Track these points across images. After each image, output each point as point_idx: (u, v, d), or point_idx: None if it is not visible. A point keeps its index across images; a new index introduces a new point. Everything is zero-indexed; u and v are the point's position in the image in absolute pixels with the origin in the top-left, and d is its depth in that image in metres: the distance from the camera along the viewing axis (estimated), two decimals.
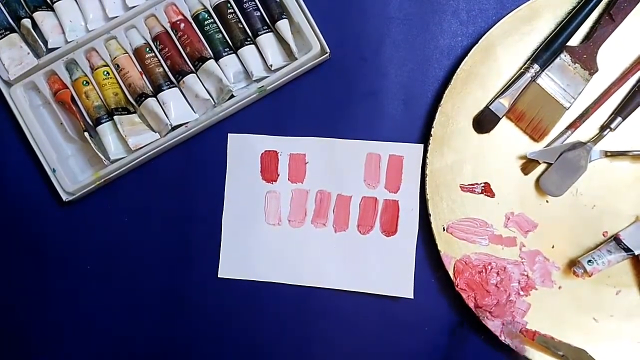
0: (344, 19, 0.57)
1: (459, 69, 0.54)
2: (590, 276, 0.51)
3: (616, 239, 0.52)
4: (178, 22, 0.55)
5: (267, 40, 0.55)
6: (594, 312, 0.53)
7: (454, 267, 0.54)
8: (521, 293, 0.53)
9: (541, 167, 0.54)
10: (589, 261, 0.51)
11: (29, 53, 0.55)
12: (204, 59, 0.55)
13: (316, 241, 0.56)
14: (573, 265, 0.53)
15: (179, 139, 0.56)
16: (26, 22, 0.55)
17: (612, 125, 0.53)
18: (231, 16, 0.55)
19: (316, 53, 0.55)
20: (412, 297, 0.54)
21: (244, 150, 0.57)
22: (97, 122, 0.55)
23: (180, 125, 0.55)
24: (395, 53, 0.57)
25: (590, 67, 0.53)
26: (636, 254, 0.51)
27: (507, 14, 0.54)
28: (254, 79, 0.55)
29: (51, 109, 0.56)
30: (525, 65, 0.54)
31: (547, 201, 0.54)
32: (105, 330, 0.56)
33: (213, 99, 0.55)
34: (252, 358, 0.56)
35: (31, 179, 0.57)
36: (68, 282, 0.57)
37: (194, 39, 0.55)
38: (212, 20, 0.55)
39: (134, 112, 0.56)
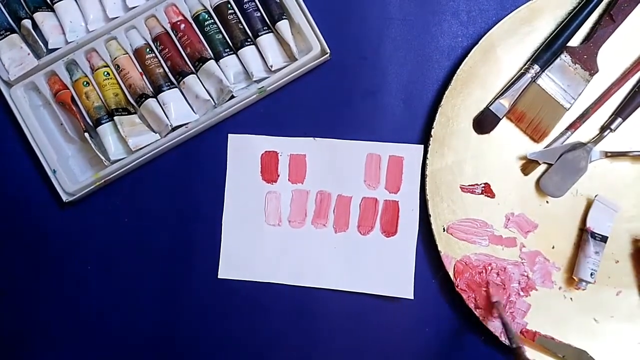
0: (344, 20, 0.57)
1: (459, 70, 0.54)
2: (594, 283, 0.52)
3: (591, 234, 0.52)
4: (178, 23, 0.55)
5: (267, 40, 0.55)
6: (595, 313, 0.53)
7: (454, 268, 0.54)
8: (521, 294, 0.53)
9: (541, 168, 0.54)
10: (591, 274, 0.51)
11: (29, 54, 0.55)
12: (204, 60, 0.55)
13: (316, 242, 0.56)
14: (572, 284, 0.53)
15: (179, 140, 0.56)
16: (26, 22, 0.55)
17: (613, 126, 0.53)
18: (231, 17, 0.55)
19: (316, 54, 0.55)
20: (412, 297, 0.54)
21: (244, 151, 0.57)
22: (98, 122, 0.55)
23: (181, 125, 0.55)
24: (396, 53, 0.57)
25: (591, 68, 0.53)
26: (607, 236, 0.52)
27: (507, 15, 0.54)
28: (254, 79, 0.55)
29: (51, 110, 0.56)
30: (526, 66, 0.54)
31: (547, 202, 0.54)
32: (105, 330, 0.56)
33: (213, 100, 0.55)
34: (252, 358, 0.56)
35: (31, 179, 0.57)
36: (68, 282, 0.57)
37: (194, 40, 0.55)
38: (212, 20, 0.55)
39: (135, 113, 0.56)
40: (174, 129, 0.55)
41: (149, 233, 0.57)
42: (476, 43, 0.54)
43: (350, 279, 0.55)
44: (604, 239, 0.52)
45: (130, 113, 0.55)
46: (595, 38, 0.53)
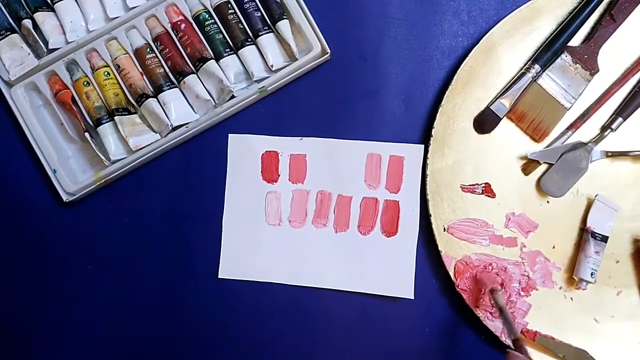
0: (345, 19, 0.57)
1: (459, 69, 0.54)
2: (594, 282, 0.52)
3: (591, 234, 0.52)
4: (179, 23, 0.55)
5: (267, 40, 0.55)
6: (595, 313, 0.53)
7: (455, 268, 0.53)
8: (522, 293, 0.53)
9: (542, 168, 0.54)
10: (592, 273, 0.51)
11: (29, 53, 0.55)
12: (204, 60, 0.55)
13: (317, 242, 0.56)
14: (572, 284, 0.53)
15: (180, 140, 0.56)
16: (27, 22, 0.55)
17: (613, 126, 0.53)
18: (232, 17, 0.55)
19: (317, 53, 0.55)
20: (412, 297, 0.54)
21: (244, 151, 0.57)
22: (98, 122, 0.55)
23: (181, 125, 0.55)
24: (396, 53, 0.57)
25: (591, 68, 0.53)
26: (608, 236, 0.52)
27: (508, 14, 0.54)
28: (254, 79, 0.55)
29: (52, 110, 0.56)
30: (526, 66, 0.54)
31: (547, 202, 0.54)
32: (105, 330, 0.56)
33: (214, 100, 0.55)
34: (252, 358, 0.56)
35: (32, 179, 0.57)
36: (68, 282, 0.57)
37: (194, 40, 0.55)
38: (212, 20, 0.55)
39: (135, 113, 0.56)
40: (174, 128, 0.55)
41: (149, 233, 0.57)
42: (477, 43, 0.54)
43: (350, 279, 0.55)
44: (604, 238, 0.52)
45: (130, 113, 0.55)
46: (596, 38, 0.53)
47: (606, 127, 0.54)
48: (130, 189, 0.57)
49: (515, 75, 0.54)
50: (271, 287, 0.56)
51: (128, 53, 0.56)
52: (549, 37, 0.54)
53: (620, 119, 0.53)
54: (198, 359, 0.56)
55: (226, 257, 0.56)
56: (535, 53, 0.54)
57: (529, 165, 0.54)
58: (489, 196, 0.55)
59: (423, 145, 0.55)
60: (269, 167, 0.57)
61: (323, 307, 0.55)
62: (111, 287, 0.57)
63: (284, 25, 0.55)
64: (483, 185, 0.55)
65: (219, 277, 0.56)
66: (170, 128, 0.55)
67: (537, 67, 0.53)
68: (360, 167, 0.56)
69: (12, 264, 0.57)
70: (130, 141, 0.54)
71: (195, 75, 0.55)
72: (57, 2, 0.56)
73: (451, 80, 0.54)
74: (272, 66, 0.55)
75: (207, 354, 0.56)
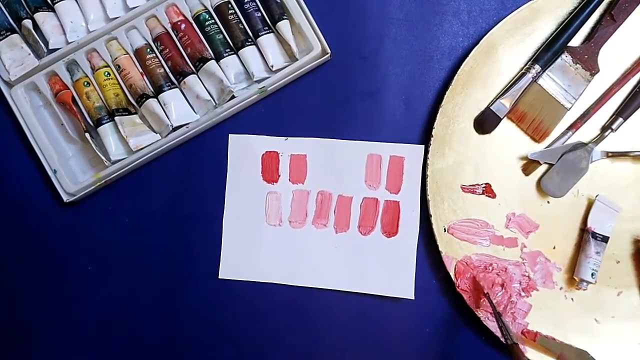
0: (345, 20, 0.57)
1: (460, 70, 0.54)
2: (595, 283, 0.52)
3: (592, 234, 0.52)
4: (179, 23, 0.55)
5: (268, 40, 0.55)
6: (596, 313, 0.53)
7: (455, 268, 0.53)
8: (522, 294, 0.53)
9: (542, 168, 0.54)
10: (592, 274, 0.51)
11: (29, 54, 0.55)
12: (204, 60, 0.55)
13: (317, 242, 0.56)
14: (572, 284, 0.53)
15: (180, 140, 0.56)
16: (27, 22, 0.55)
17: (614, 126, 0.53)
18: (232, 17, 0.55)
19: (317, 54, 0.55)
20: (413, 298, 0.54)
21: (244, 151, 0.57)
22: (98, 122, 0.55)
23: (181, 126, 0.55)
24: (396, 53, 0.57)
25: (592, 68, 0.53)
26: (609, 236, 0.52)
27: (508, 15, 0.54)
28: (254, 79, 0.55)
29: (52, 110, 0.56)
30: (527, 66, 0.54)
31: (548, 202, 0.54)
32: (105, 331, 0.56)
33: (214, 100, 0.55)
34: (252, 358, 0.56)
35: (32, 179, 0.57)
36: (68, 283, 0.57)
37: (194, 40, 0.55)
38: (213, 21, 0.55)
39: (135, 113, 0.56)
40: (174, 129, 0.55)
41: (149, 233, 0.57)
42: (477, 43, 0.54)
43: (351, 279, 0.55)
44: (605, 239, 0.52)
45: (130, 113, 0.55)
46: (596, 38, 0.53)
47: (606, 128, 0.54)
48: (130, 190, 0.57)
49: (516, 76, 0.54)
50: (271, 287, 0.56)
51: (128, 53, 0.56)
52: (549, 37, 0.54)
53: (620, 119, 0.53)
54: (198, 359, 0.56)
55: (226, 257, 0.56)
56: (535, 53, 0.54)
57: (529, 165, 0.54)
58: (489, 196, 0.55)
59: (423, 146, 0.55)
60: (269, 168, 0.57)
61: (323, 308, 0.55)
62: (111, 287, 0.57)
63: (284, 26, 0.55)
64: (483, 185, 0.55)
65: (219, 277, 0.56)
66: (171, 128, 0.55)
67: (537, 67, 0.53)
68: (360, 168, 0.56)
69: (12, 264, 0.57)
70: (131, 141, 0.54)
71: (195, 75, 0.55)
72: (57, 2, 0.56)
73: (451, 81, 0.54)
74: (272, 66, 0.55)
75: (207, 354, 0.56)
